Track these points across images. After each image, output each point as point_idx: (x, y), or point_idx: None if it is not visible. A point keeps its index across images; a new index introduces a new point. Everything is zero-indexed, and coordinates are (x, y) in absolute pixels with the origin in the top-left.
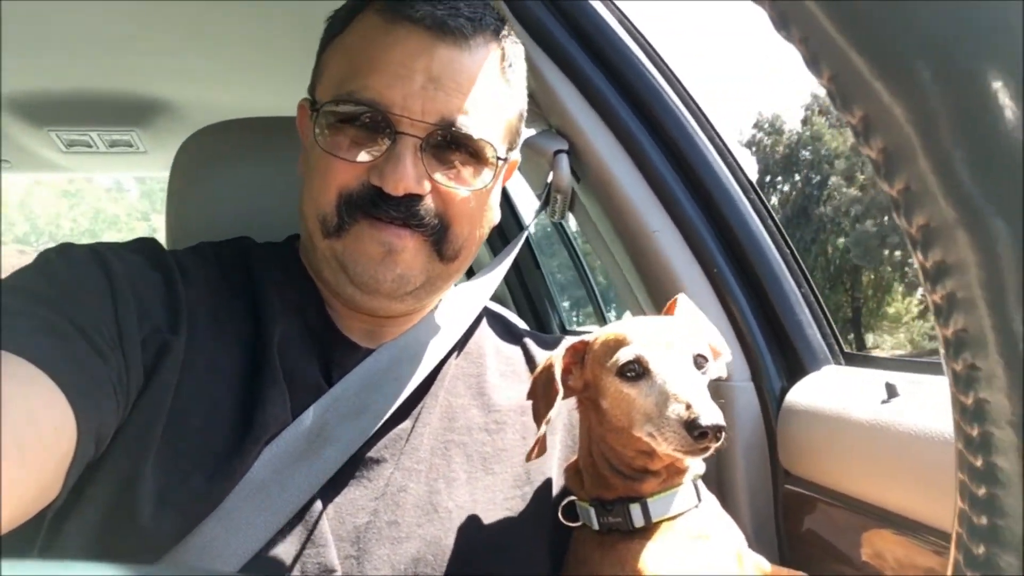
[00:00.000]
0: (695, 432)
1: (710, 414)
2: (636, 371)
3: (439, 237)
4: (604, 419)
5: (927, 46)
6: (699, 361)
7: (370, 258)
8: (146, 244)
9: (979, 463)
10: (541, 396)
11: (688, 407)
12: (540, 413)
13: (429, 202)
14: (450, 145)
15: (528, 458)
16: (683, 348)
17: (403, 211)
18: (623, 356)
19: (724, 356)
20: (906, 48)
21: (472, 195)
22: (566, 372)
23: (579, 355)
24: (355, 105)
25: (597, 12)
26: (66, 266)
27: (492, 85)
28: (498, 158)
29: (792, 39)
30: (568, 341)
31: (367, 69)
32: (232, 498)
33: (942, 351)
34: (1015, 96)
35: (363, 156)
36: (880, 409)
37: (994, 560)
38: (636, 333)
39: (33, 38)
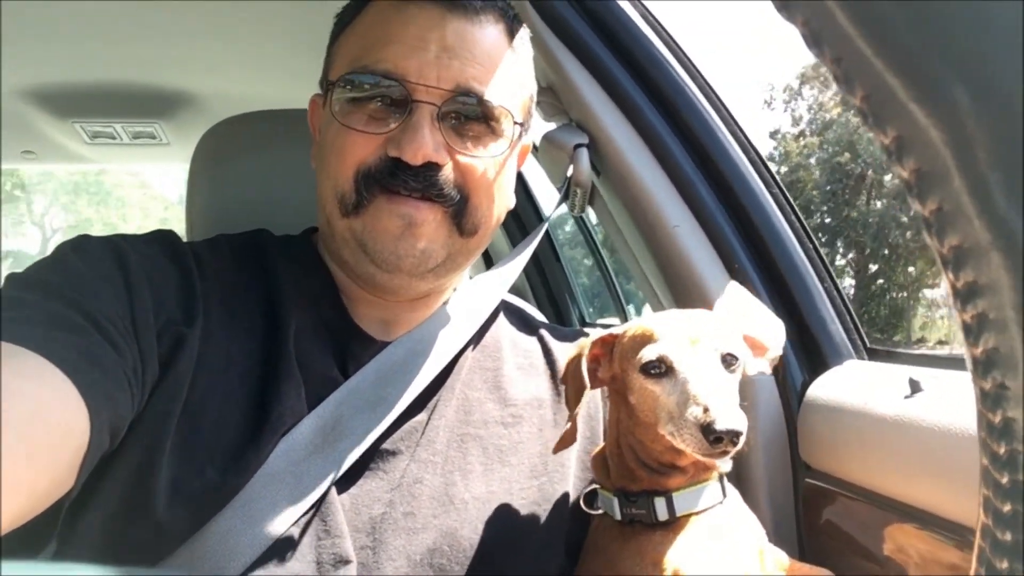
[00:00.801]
0: (711, 436)
1: (726, 419)
2: (660, 369)
3: (459, 209)
4: (632, 413)
5: (965, 69)
6: (728, 360)
7: (390, 234)
8: (163, 236)
9: (1005, 480)
10: (571, 383)
11: (705, 410)
12: (571, 401)
13: (448, 173)
14: (468, 118)
15: (555, 450)
16: (710, 346)
17: (422, 181)
18: (647, 354)
19: (772, 351)
20: (944, 71)
21: (491, 167)
22: (595, 363)
23: (608, 347)
24: (371, 77)
25: (618, 5)
26: (82, 259)
27: (503, 60)
28: (515, 123)
29: (824, 58)
30: (597, 333)
31: (382, 44)
32: (248, 490)
33: (970, 368)
34: None
35: (380, 129)
36: (903, 404)
37: None
38: (664, 329)
39: (58, 30)
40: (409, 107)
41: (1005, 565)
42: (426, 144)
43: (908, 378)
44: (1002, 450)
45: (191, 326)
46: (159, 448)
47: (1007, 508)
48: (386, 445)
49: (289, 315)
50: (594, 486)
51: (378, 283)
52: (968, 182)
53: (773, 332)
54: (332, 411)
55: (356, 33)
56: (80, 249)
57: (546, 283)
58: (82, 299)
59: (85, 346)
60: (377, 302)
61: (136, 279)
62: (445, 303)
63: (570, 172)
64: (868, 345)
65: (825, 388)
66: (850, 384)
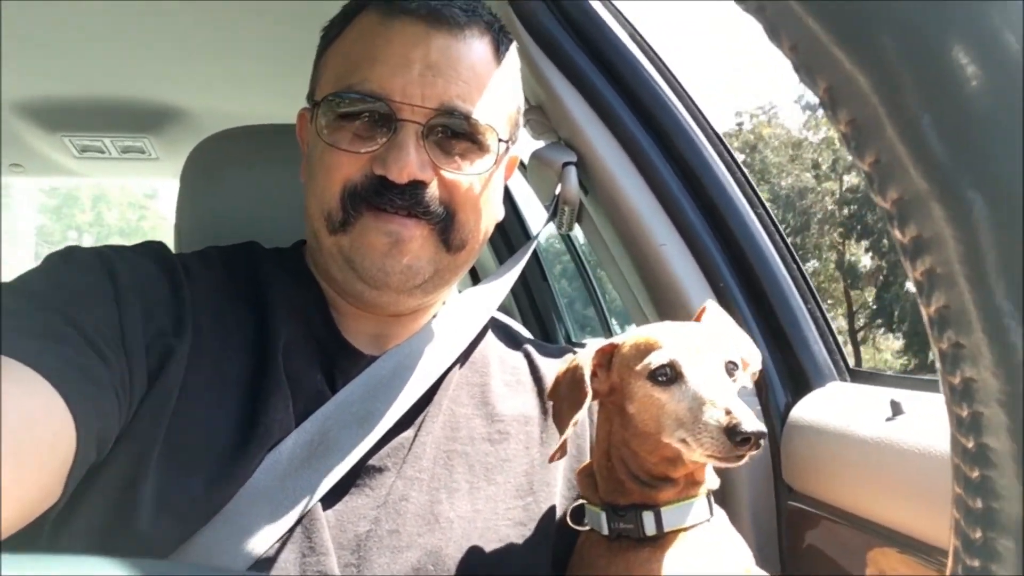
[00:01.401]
0: (737, 438)
1: (752, 420)
2: (668, 375)
3: (445, 226)
4: (629, 424)
5: (886, 11)
6: (730, 368)
7: (377, 250)
8: (153, 247)
9: (971, 444)
10: (565, 398)
11: (728, 412)
12: (563, 416)
13: (434, 190)
14: (453, 135)
15: (551, 459)
16: (715, 354)
17: (408, 199)
18: (655, 360)
19: (752, 366)
20: (865, 14)
21: (476, 183)
22: (591, 375)
23: (606, 358)
24: (356, 96)
25: (606, 24)
26: (71, 270)
27: (488, 74)
28: (500, 140)
29: (750, 8)
30: (594, 345)
31: (367, 63)
32: (234, 504)
33: (928, 330)
34: (981, 58)
35: (366, 147)
36: (885, 426)
37: (992, 544)
38: (667, 337)
39: (48, 44)
40: (394, 125)
41: (979, 535)
42: (411, 163)
43: (890, 400)
44: (965, 413)
45: (180, 338)
46: (146, 460)
47: (975, 474)
48: (373, 461)
49: (279, 328)
50: (580, 501)
51: (366, 299)
52: (900, 128)
53: (751, 348)
54: (319, 426)
55: (341, 50)
56: (70, 260)
57: (532, 300)
58: (71, 310)
59: (73, 357)
60: (366, 316)
61: (125, 290)
62: (434, 317)
63: (558, 190)
64: (851, 367)
65: (808, 410)
66: (833, 406)
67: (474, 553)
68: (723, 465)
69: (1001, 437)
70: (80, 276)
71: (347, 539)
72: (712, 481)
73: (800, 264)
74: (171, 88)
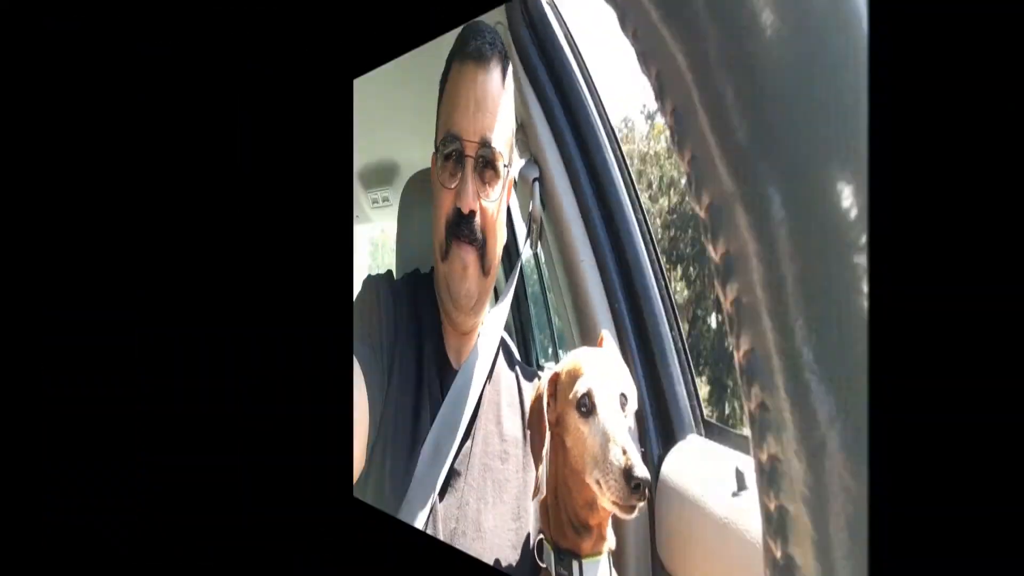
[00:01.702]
0: (632, 483)
1: (641, 465)
2: (587, 406)
3: (483, 252)
4: (567, 459)
5: None
6: (622, 401)
7: (457, 275)
8: (387, 275)
9: (779, 554)
10: (535, 429)
11: (624, 452)
12: (536, 448)
13: (478, 218)
14: (485, 164)
15: (532, 496)
16: (614, 385)
17: (469, 229)
18: (580, 388)
19: (632, 403)
20: None
21: (497, 207)
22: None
23: (553, 386)
24: (449, 137)
25: (566, 55)
26: (364, 294)
27: (502, 100)
28: (504, 165)
29: (610, 2)
30: (547, 373)
31: (451, 109)
32: (410, 487)
33: (739, 380)
34: (777, 21)
35: (452, 183)
36: (729, 504)
37: None
38: (587, 363)
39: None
40: (463, 162)
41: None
42: (469, 195)
43: (735, 469)
44: (772, 505)
45: (395, 346)
46: (381, 445)
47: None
48: (456, 465)
49: (425, 343)
50: (540, 536)
51: (453, 319)
52: (707, 110)
53: (632, 385)
54: (436, 431)
55: (444, 100)
56: (363, 286)
57: (519, 320)
58: (367, 324)
59: (372, 359)
60: (452, 333)
61: (383, 310)
62: (478, 336)
63: (531, 207)
64: (704, 417)
65: (673, 468)
66: (692, 466)
67: (496, 569)
68: (621, 515)
69: (807, 551)
70: (367, 298)
71: (448, 533)
72: (611, 540)
73: (669, 287)
74: (394, 149)
